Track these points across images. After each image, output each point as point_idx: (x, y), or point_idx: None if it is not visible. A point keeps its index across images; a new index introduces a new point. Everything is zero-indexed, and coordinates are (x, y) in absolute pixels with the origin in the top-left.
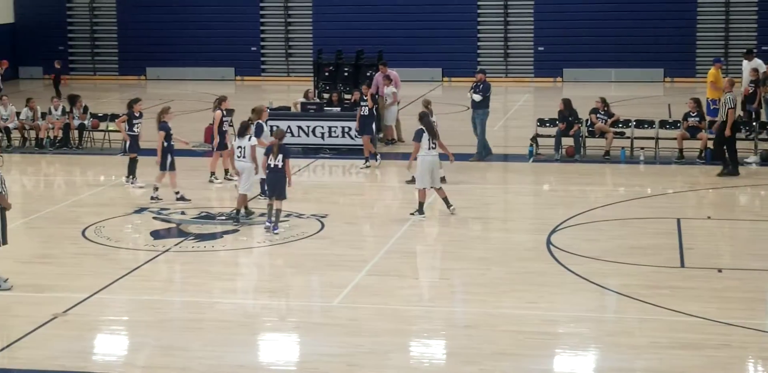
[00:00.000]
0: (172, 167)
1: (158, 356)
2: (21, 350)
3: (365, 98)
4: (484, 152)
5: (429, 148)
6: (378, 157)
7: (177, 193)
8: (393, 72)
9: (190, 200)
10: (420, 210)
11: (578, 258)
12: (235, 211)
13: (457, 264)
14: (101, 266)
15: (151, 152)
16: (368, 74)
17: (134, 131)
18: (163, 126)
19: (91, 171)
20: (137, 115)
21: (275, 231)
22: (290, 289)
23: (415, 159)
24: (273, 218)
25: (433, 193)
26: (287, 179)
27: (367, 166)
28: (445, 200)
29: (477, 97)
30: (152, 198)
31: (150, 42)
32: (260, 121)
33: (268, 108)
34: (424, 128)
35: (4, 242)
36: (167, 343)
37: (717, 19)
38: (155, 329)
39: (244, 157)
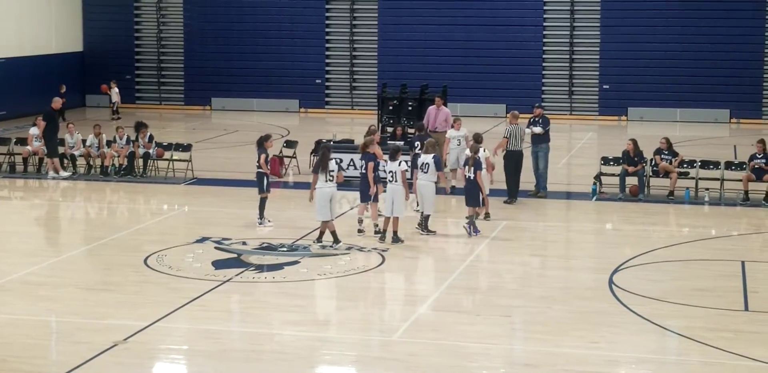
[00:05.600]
0: (376, 198)
1: None
2: None
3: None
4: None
5: (326, 181)
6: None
7: (376, 225)
8: (445, 109)
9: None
10: (336, 240)
11: (640, 298)
12: (393, 233)
13: (519, 301)
14: (162, 295)
15: (213, 182)
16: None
17: (267, 169)
18: (371, 157)
19: (155, 199)
20: (268, 152)
21: (475, 233)
22: (350, 322)
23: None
24: (469, 225)
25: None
26: (480, 189)
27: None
28: (321, 234)
29: (538, 130)
30: (359, 231)
31: (216, 73)
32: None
33: (331, 141)
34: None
35: None
36: None
37: None
38: (214, 359)
39: (396, 181)
